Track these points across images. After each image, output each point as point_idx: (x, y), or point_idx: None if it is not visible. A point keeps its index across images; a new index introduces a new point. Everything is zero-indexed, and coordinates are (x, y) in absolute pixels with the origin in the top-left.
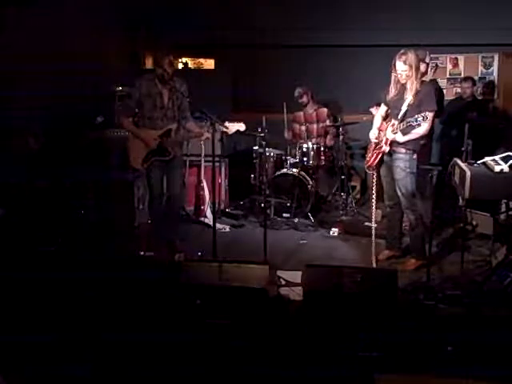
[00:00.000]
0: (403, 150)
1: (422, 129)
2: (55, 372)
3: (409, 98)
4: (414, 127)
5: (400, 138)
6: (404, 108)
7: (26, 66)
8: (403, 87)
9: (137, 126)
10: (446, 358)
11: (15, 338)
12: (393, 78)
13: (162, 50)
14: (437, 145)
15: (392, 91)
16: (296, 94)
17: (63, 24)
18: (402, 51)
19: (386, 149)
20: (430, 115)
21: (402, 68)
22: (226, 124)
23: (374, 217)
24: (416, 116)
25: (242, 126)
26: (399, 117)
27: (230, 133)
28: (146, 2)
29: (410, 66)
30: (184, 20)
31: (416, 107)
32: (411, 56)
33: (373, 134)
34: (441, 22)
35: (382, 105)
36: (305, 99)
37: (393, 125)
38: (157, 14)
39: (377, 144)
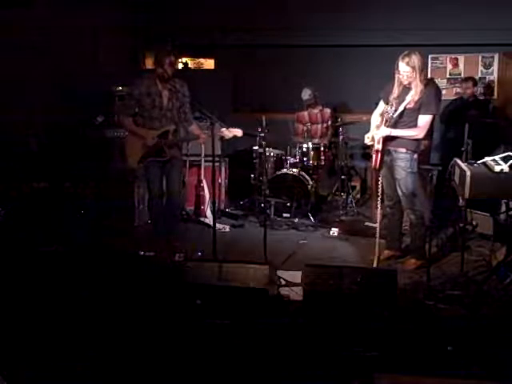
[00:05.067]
0: (404, 150)
1: (417, 131)
2: (55, 370)
3: (407, 99)
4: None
5: (385, 131)
6: (400, 108)
7: (27, 66)
8: (405, 88)
9: (136, 125)
10: (446, 358)
11: (16, 338)
12: (396, 78)
13: (162, 50)
14: (437, 145)
15: (395, 92)
16: (306, 96)
17: (63, 24)
18: (405, 52)
19: (379, 147)
20: (427, 119)
21: (405, 69)
22: (223, 130)
23: (379, 217)
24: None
25: (239, 132)
26: (394, 116)
27: (226, 138)
28: (146, 2)
29: (413, 68)
30: (184, 20)
31: (416, 110)
32: (414, 58)
33: (366, 139)
34: (441, 22)
35: (381, 102)
36: (314, 101)
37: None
38: (157, 14)
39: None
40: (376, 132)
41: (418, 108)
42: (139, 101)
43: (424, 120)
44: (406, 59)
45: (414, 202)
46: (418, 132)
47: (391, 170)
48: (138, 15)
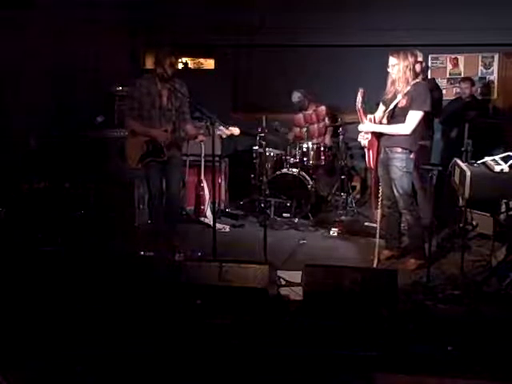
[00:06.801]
0: (399, 150)
1: (404, 127)
2: (55, 369)
3: (398, 97)
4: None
5: (369, 126)
6: (391, 106)
7: (27, 66)
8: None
9: None
10: (446, 358)
11: (16, 337)
12: (389, 77)
13: (163, 50)
14: (437, 145)
15: (389, 91)
16: (296, 99)
17: (63, 24)
18: (394, 50)
19: (365, 143)
20: (416, 115)
21: (392, 62)
22: (220, 128)
23: (379, 217)
24: None
25: (235, 131)
26: (386, 113)
27: (223, 136)
28: (146, 2)
29: (401, 66)
30: (184, 20)
31: (407, 107)
32: (403, 55)
33: (360, 137)
34: (441, 22)
35: (381, 104)
36: (305, 103)
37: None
38: (157, 14)
39: None
40: (361, 126)
41: (409, 106)
42: (139, 101)
43: (412, 116)
44: (395, 54)
45: (410, 202)
46: (405, 128)
47: (387, 169)
48: (137, 15)
